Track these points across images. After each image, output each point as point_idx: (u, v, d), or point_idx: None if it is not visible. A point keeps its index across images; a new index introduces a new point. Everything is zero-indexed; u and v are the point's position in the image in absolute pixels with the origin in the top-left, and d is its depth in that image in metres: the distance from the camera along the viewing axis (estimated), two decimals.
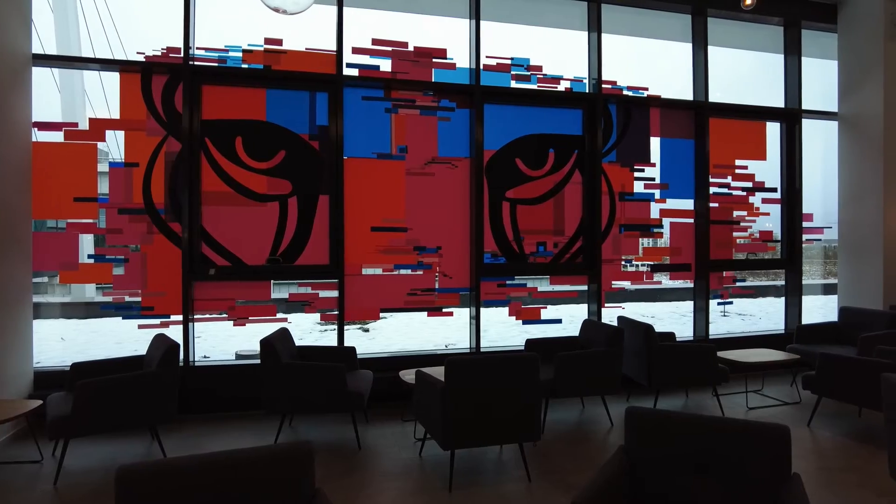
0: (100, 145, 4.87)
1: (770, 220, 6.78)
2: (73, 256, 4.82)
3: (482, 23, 5.63)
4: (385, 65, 5.43)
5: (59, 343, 8.78)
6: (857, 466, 3.90)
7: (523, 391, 3.61)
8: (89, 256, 4.91)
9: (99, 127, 4.83)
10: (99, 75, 5.23)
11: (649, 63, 6.70)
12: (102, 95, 5.22)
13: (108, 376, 3.73)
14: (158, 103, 4.94)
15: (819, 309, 8.22)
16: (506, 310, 5.76)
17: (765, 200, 6.72)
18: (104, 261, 4.86)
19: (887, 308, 6.15)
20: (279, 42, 5.17)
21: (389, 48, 5.44)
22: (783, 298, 7.01)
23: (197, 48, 5.03)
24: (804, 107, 6.84)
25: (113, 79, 4.93)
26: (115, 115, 4.91)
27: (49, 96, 5.75)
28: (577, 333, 5.44)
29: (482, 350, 5.66)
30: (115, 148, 5.03)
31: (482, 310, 5.62)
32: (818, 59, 7.09)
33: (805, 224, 6.85)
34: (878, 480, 3.63)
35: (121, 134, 4.92)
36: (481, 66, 5.62)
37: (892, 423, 3.16)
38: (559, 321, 5.91)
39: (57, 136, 4.79)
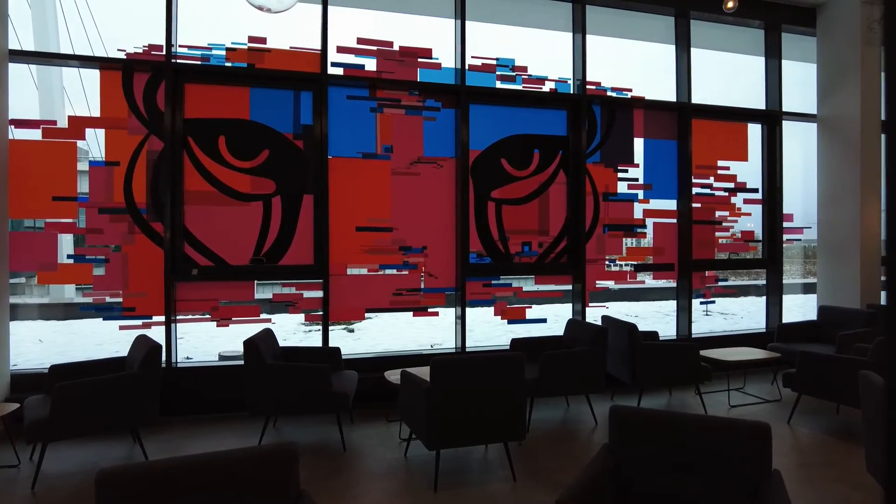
0: (79, 144, 4.79)
1: (751, 220, 6.88)
2: (52, 256, 4.73)
3: (468, 23, 5.64)
4: (370, 64, 5.41)
5: (37, 345, 8.62)
6: (835, 462, 3.97)
7: (508, 391, 3.61)
8: (69, 256, 4.82)
9: (78, 125, 4.75)
10: (78, 72, 5.15)
11: (633, 64, 6.75)
12: (82, 93, 5.13)
13: (87, 378, 3.67)
14: (140, 101, 4.87)
15: (799, 308, 8.36)
16: (491, 309, 5.77)
17: (746, 201, 6.81)
18: (84, 261, 4.78)
19: (864, 307, 6.27)
20: (263, 40, 5.13)
21: (374, 47, 5.42)
22: (764, 297, 7.12)
23: (179, 46, 4.97)
24: (784, 109, 6.95)
25: (93, 76, 4.85)
26: (96, 112, 4.83)
27: (26, 93, 5.65)
28: (561, 333, 5.46)
29: (468, 350, 5.66)
30: (95, 146, 4.95)
31: (468, 310, 5.63)
32: (798, 61, 7.21)
33: (785, 224, 6.97)
34: (855, 475, 3.70)
35: (101, 132, 4.84)
36: (467, 67, 5.63)
37: (869, 419, 3.22)
38: (544, 321, 5.94)
39: (35, 134, 4.70)
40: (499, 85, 5.79)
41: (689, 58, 6.46)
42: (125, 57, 4.84)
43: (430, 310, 5.58)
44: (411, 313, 5.57)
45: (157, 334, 4.59)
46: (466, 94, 5.61)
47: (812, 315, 6.59)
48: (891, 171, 0.74)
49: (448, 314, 5.80)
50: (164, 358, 4.71)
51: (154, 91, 4.89)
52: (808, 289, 8.43)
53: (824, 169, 6.99)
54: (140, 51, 4.87)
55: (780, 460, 3.78)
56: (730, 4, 5.87)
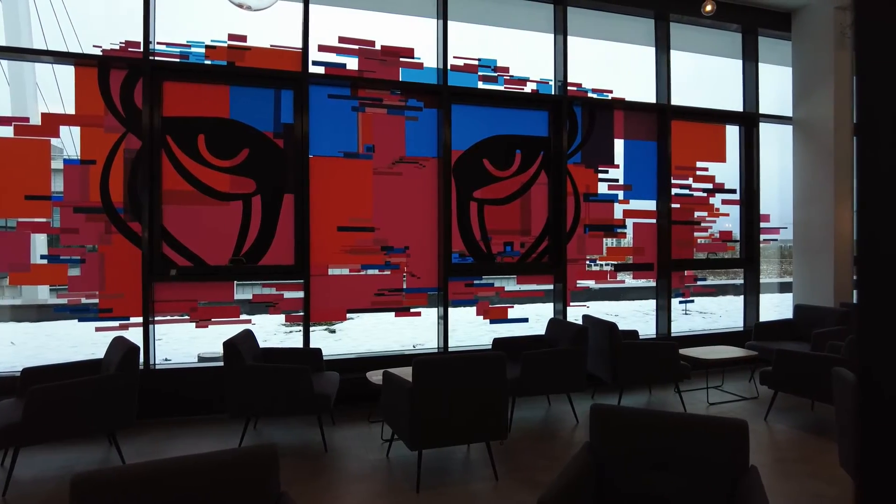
0: (53, 141, 4.68)
1: (729, 220, 7.00)
2: (24, 257, 4.62)
3: (450, 23, 5.64)
4: (352, 63, 5.38)
5: (9, 347, 8.42)
6: (810, 457, 4.05)
7: (490, 390, 3.62)
8: (42, 257, 4.72)
9: (52, 122, 4.65)
10: (52, 68, 5.04)
11: (614, 66, 6.82)
12: (56, 89, 5.02)
13: (61, 381, 3.60)
14: (117, 99, 4.78)
15: (776, 307, 8.51)
16: (473, 309, 5.77)
17: (724, 201, 6.92)
18: (59, 261, 4.67)
19: (838, 305, 6.41)
20: (243, 38, 5.07)
21: (356, 46, 5.39)
22: (742, 296, 7.24)
23: (158, 43, 4.89)
24: (761, 111, 7.07)
25: (67, 72, 4.75)
26: (70, 110, 4.72)
27: None
28: (543, 332, 5.50)
29: (450, 350, 5.67)
30: (70, 144, 4.85)
31: (450, 310, 5.63)
32: (775, 65, 7.34)
33: (762, 224, 7.09)
34: (829, 470, 3.78)
35: (76, 130, 4.74)
36: (449, 67, 5.63)
37: (842, 415, 3.29)
38: (526, 320, 5.96)
39: (6, 131, 4.58)
40: (481, 85, 5.80)
41: (668, 60, 6.54)
42: (101, 54, 4.75)
43: (412, 310, 5.57)
44: (393, 314, 5.55)
45: (135, 336, 4.51)
46: (448, 94, 5.61)
47: (788, 314, 6.72)
48: (862, 173, 0.76)
49: (430, 314, 5.79)
50: (141, 360, 4.64)
51: (131, 89, 4.80)
52: (784, 288, 8.59)
53: (799, 170, 7.13)
54: (116, 47, 4.78)
55: (756, 456, 3.84)
56: (708, 8, 5.97)
